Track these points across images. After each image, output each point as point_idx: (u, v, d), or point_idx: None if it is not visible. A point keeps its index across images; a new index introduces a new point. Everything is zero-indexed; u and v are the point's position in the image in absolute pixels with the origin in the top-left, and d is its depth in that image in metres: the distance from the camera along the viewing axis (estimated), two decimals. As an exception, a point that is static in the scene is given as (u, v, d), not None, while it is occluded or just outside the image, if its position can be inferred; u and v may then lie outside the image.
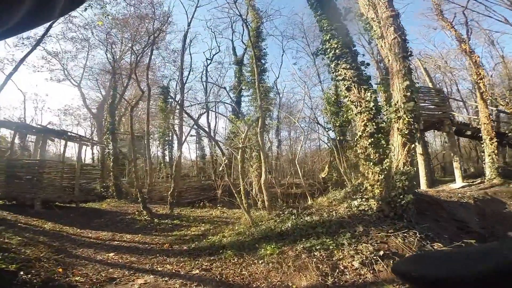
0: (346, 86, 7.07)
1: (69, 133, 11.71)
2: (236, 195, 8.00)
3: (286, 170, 25.52)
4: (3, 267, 3.12)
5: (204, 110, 20.36)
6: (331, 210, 6.67)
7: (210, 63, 22.81)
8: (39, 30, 12.13)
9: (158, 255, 5.51)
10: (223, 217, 11.16)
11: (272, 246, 5.18)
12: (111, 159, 16.65)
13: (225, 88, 16.91)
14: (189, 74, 22.35)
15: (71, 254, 4.95)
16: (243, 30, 21.08)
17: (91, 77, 23.88)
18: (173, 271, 4.66)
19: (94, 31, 19.03)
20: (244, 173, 13.69)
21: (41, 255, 4.25)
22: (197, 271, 4.74)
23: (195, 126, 15.50)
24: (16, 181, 10.30)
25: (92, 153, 26.44)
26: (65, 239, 6.13)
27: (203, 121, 23.42)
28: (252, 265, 4.85)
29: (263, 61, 17.96)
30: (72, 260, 4.57)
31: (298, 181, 18.66)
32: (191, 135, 22.93)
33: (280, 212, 7.19)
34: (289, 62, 45.12)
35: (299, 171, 14.02)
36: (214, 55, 16.38)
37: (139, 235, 7.35)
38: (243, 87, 18.28)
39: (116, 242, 6.38)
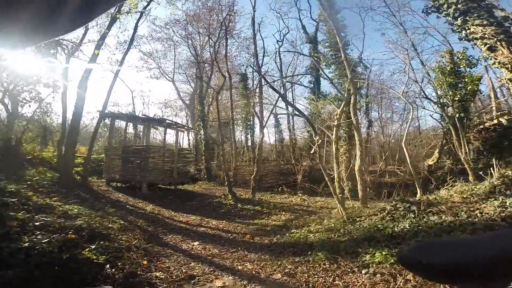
0: (487, 46, 5.04)
1: (167, 121, 12.94)
2: (329, 183, 6.91)
3: (375, 156, 22.50)
4: (93, 258, 3.12)
5: (282, 92, 19.58)
6: (470, 208, 4.81)
7: (282, 44, 21.41)
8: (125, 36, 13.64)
9: (239, 248, 5.17)
10: (304, 206, 10.38)
11: (383, 253, 3.90)
12: (202, 144, 18.01)
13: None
14: (263, 58, 21.67)
15: (161, 242, 5.12)
16: (310, 6, 18.83)
17: (181, 72, 26.41)
18: (253, 272, 4.15)
19: (175, 29, 20.65)
20: (336, 156, 12.29)
21: (133, 243, 4.44)
22: (279, 275, 4.09)
23: (278, 103, 14.95)
24: (129, 165, 12.04)
25: (188, 139, 29.60)
26: (159, 223, 6.55)
27: (280, 105, 22.80)
28: (350, 275, 3.80)
29: (343, 34, 15.58)
30: (159, 249, 4.66)
31: (390, 169, 15.94)
32: (280, 112, 22.63)
33: (391, 207, 5.68)
34: (371, 36, 38.90)
35: (407, 155, 11.64)
36: (284, 35, 15.00)
37: (224, 221, 7.33)
38: (324, 64, 16.36)
39: (202, 229, 6.43)
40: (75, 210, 5.52)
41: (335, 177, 7.08)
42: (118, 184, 11.87)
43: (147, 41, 21.11)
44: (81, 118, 11.00)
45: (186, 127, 15.69)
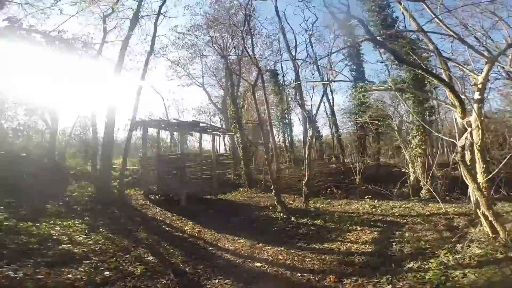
0: None
1: (200, 124, 11.41)
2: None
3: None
4: None
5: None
6: None
7: (312, 33, 18.88)
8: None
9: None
10: (379, 215, 7.96)
11: None
12: (240, 148, 16.36)
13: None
14: (296, 51, 19.44)
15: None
16: None
17: (210, 75, 25.21)
18: None
19: (197, 34, 19.39)
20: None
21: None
22: None
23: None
24: (166, 176, 10.72)
25: (224, 144, 28.30)
26: (200, 255, 4.80)
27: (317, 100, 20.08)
28: None
29: None
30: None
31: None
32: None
33: None
34: None
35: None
36: (312, 24, 12.60)
37: (282, 247, 5.32)
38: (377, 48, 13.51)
39: (257, 264, 4.50)
40: (91, 241, 3.99)
41: (480, 171, 4.56)
42: (157, 196, 10.61)
43: (174, 49, 20.25)
44: (114, 129, 9.95)
45: (221, 130, 14.13)
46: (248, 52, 11.51)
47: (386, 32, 11.60)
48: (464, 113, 3.81)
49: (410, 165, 11.39)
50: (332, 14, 17.13)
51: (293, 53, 12.90)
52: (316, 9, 16.29)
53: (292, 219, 7.58)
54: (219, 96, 27.94)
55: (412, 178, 11.19)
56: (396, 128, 12.78)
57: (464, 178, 4.30)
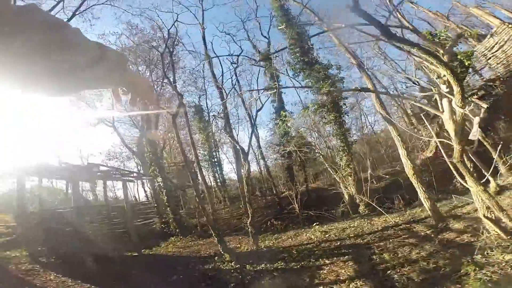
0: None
1: (100, 167, 8.56)
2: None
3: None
4: None
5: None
6: None
7: (237, 66, 19.37)
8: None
9: None
10: (336, 239, 7.13)
11: None
12: (163, 193, 13.54)
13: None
14: (222, 81, 19.08)
15: None
16: (259, 24, 17.80)
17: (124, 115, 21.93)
18: None
19: None
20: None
21: None
22: None
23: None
24: (59, 234, 7.29)
25: (145, 191, 24.00)
26: None
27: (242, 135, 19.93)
28: None
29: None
30: None
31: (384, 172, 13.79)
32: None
33: None
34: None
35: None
36: (238, 56, 12.90)
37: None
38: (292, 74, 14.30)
39: None
40: None
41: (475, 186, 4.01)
42: (52, 258, 6.93)
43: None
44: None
45: (134, 174, 11.26)
46: (169, 79, 10.01)
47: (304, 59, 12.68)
48: (464, 101, 3.41)
49: (341, 185, 11.53)
50: (255, 47, 17.82)
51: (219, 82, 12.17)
52: (242, 42, 16.72)
53: (247, 267, 5.79)
54: (133, 138, 24.38)
55: (347, 197, 11.25)
56: (321, 153, 13.16)
57: (465, 181, 3.82)
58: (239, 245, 8.69)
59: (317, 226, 8.79)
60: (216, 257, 6.57)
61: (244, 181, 8.29)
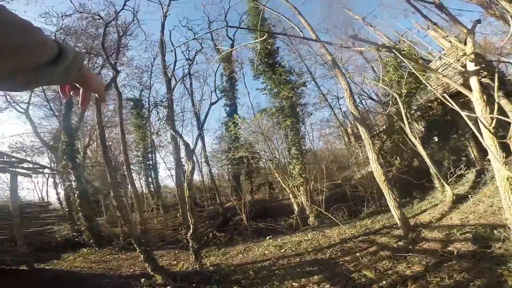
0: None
1: None
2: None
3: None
4: None
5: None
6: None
7: (192, 62, 17.65)
8: None
9: None
10: (294, 254, 6.10)
11: None
12: (75, 194, 10.42)
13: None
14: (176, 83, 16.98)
15: None
16: (226, 22, 16.82)
17: (42, 100, 17.24)
18: None
19: None
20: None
21: None
22: None
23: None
24: None
25: (57, 193, 18.98)
26: None
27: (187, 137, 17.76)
28: None
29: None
30: None
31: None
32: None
33: None
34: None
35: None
36: (196, 54, 11.40)
37: None
38: (257, 77, 13.39)
39: None
40: None
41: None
42: None
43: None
44: None
45: (29, 165, 7.87)
46: (104, 48, 7.72)
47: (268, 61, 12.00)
48: None
49: (291, 195, 10.86)
50: (216, 47, 16.45)
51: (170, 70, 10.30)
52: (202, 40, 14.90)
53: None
54: (51, 129, 19.37)
55: (296, 208, 10.56)
56: (273, 161, 12.40)
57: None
58: (175, 262, 6.80)
59: (270, 240, 7.63)
60: (143, 279, 4.64)
61: (185, 184, 6.59)
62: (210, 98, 11.02)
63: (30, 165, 7.20)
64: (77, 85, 0.60)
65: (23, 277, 5.34)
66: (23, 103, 15.99)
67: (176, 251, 8.22)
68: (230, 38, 17.66)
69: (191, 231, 5.89)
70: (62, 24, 11.11)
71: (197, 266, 5.73)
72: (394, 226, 6.83)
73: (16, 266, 5.44)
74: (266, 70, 12.22)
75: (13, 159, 6.22)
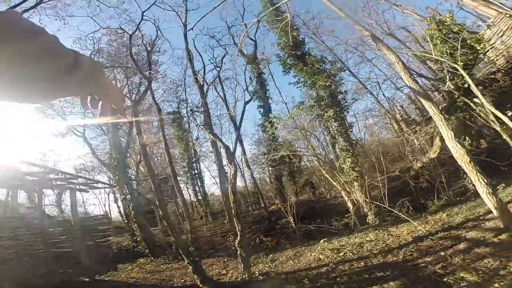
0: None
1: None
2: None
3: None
4: None
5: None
6: None
7: (221, 69, 17.58)
8: None
9: None
10: (357, 258, 5.21)
11: None
12: (130, 207, 11.01)
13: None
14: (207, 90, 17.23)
15: None
16: (246, 26, 16.61)
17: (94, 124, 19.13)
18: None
19: None
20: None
21: None
22: None
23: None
24: None
25: (118, 207, 20.76)
26: None
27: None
28: None
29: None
30: None
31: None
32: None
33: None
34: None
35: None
36: (222, 59, 11.22)
37: None
38: (287, 71, 12.71)
39: None
40: None
41: None
42: None
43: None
44: None
45: (89, 183, 8.44)
46: (133, 58, 7.95)
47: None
48: None
49: (343, 193, 9.74)
50: (240, 51, 16.43)
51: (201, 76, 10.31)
52: (226, 45, 15.02)
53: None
54: (106, 151, 21.45)
55: (351, 206, 9.42)
56: (318, 157, 11.43)
57: None
58: (224, 271, 6.44)
59: (325, 243, 6.77)
60: (192, 291, 4.33)
61: (230, 189, 6.21)
62: (244, 97, 10.73)
63: (86, 181, 7.68)
64: (96, 97, 0.58)
65: None
66: (80, 126, 17.91)
67: (225, 259, 7.91)
68: (251, 39, 17.38)
69: (238, 238, 5.44)
70: (97, 46, 11.84)
71: (246, 275, 5.24)
72: (482, 217, 5.57)
73: (79, 278, 5.63)
74: (296, 63, 11.49)
75: (69, 175, 6.61)
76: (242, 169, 21.28)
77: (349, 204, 9.48)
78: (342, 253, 5.87)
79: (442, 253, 4.28)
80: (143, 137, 7.86)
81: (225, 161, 11.38)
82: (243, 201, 23.16)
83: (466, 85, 7.89)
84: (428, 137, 12.80)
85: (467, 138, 9.85)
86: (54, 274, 4.99)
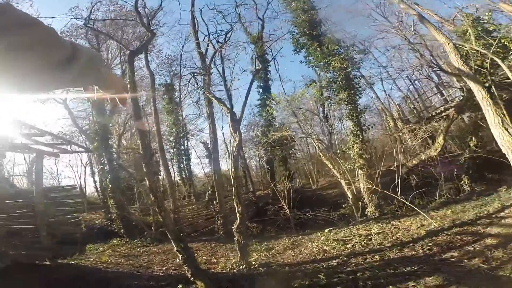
0: None
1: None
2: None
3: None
4: None
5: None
6: None
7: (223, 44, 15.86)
8: None
9: None
10: (369, 251, 4.64)
11: None
12: (107, 179, 9.82)
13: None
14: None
15: None
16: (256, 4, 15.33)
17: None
18: None
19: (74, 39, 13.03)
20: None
21: None
22: None
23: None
24: None
25: (94, 181, 19.14)
26: None
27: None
28: None
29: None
30: None
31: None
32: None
33: None
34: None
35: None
36: (226, 33, 9.91)
37: None
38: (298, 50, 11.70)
39: None
40: None
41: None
42: None
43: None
44: None
45: (61, 143, 7.15)
46: (137, 10, 6.59)
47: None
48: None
49: (343, 182, 9.14)
50: (246, 30, 15.16)
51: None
52: (232, 21, 13.86)
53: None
54: (87, 122, 19.54)
55: (350, 196, 8.86)
56: (321, 142, 10.71)
57: None
58: (213, 259, 5.62)
59: (330, 233, 6.13)
60: (180, 286, 3.45)
61: (232, 163, 5.28)
62: (254, 65, 9.79)
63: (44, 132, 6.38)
64: (97, 87, 0.58)
65: (42, 273, 4.50)
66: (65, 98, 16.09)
67: (212, 244, 7.10)
68: (259, 19, 16.01)
69: (237, 222, 4.61)
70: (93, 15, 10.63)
71: (243, 266, 4.46)
72: (495, 215, 5.49)
73: (37, 261, 4.57)
74: (309, 44, 10.61)
75: (37, 130, 5.34)
76: (230, 151, 20.38)
77: (349, 194, 8.91)
78: (350, 245, 5.24)
79: (470, 248, 3.97)
80: (133, 64, 6.48)
81: (220, 136, 10.39)
82: (226, 184, 22.40)
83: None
84: (426, 136, 12.58)
85: (473, 138, 9.50)
86: (4, 255, 3.93)
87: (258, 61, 13.23)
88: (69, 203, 6.22)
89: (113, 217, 9.43)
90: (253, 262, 4.78)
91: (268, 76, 16.21)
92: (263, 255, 5.56)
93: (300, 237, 6.76)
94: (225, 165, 21.21)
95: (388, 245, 4.93)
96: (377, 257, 4.39)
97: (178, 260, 4.16)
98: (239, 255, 4.56)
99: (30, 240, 5.32)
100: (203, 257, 5.87)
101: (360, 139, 8.70)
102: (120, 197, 9.83)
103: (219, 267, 4.73)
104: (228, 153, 20.39)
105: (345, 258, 4.49)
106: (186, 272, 3.40)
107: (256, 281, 3.84)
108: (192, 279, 3.36)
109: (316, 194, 14.57)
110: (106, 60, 12.98)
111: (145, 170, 4.32)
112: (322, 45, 10.24)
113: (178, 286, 3.42)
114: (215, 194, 10.06)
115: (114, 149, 14.77)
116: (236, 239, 4.54)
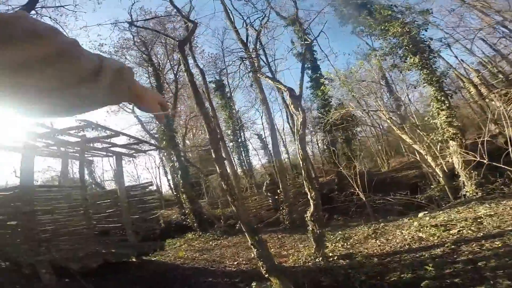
0: None
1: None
2: None
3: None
4: None
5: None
6: None
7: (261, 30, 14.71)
8: None
9: None
10: (484, 235, 3.55)
11: None
12: (178, 175, 10.63)
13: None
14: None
15: None
16: None
17: None
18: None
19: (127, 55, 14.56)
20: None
21: None
22: None
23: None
24: None
25: (167, 180, 21.27)
26: None
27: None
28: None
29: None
30: None
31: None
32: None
33: None
34: None
35: None
36: (261, 21, 9.37)
37: None
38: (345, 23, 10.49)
39: None
40: None
41: None
42: None
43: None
44: None
45: (134, 142, 7.87)
46: (175, 6, 6.69)
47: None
48: None
49: (430, 158, 7.58)
50: (278, 14, 14.36)
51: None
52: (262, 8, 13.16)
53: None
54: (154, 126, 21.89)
55: (441, 174, 7.31)
56: (388, 117, 9.23)
57: None
58: (283, 251, 5.29)
59: (427, 217, 5.10)
60: (254, 283, 3.19)
61: (298, 144, 4.78)
62: (303, 41, 9.26)
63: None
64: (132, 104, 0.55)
65: (129, 271, 4.90)
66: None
67: (279, 235, 6.80)
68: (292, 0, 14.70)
69: (311, 209, 4.12)
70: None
71: (320, 258, 3.96)
72: None
73: (123, 259, 5.01)
74: (357, 13, 9.29)
75: (113, 132, 5.90)
76: (284, 140, 19.82)
77: (438, 172, 7.36)
78: (454, 231, 4.18)
79: None
80: (184, 52, 6.50)
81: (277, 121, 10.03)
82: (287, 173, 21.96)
83: None
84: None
85: None
86: (96, 255, 4.40)
87: (303, 38, 12.22)
88: (148, 200, 6.77)
89: (186, 211, 10.12)
90: (330, 254, 4.24)
91: (314, 56, 14.96)
92: (340, 245, 4.94)
93: (382, 224, 5.86)
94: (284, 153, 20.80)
95: (509, 228, 3.74)
96: (497, 242, 3.34)
97: (249, 254, 3.97)
98: (314, 246, 4.07)
99: (118, 238, 5.94)
100: (272, 250, 5.61)
101: (447, 105, 7.04)
102: (191, 192, 10.52)
103: (291, 261, 4.35)
104: (283, 141, 19.96)
105: (453, 246, 3.56)
106: (261, 268, 3.10)
107: (338, 276, 3.31)
108: (266, 275, 3.05)
109: (389, 177, 12.89)
110: (158, 66, 14.03)
111: (214, 156, 4.19)
112: (372, 12, 8.85)
113: (252, 284, 3.15)
114: (273, 183, 9.78)
115: (180, 148, 16.04)
116: (311, 228, 4.06)
